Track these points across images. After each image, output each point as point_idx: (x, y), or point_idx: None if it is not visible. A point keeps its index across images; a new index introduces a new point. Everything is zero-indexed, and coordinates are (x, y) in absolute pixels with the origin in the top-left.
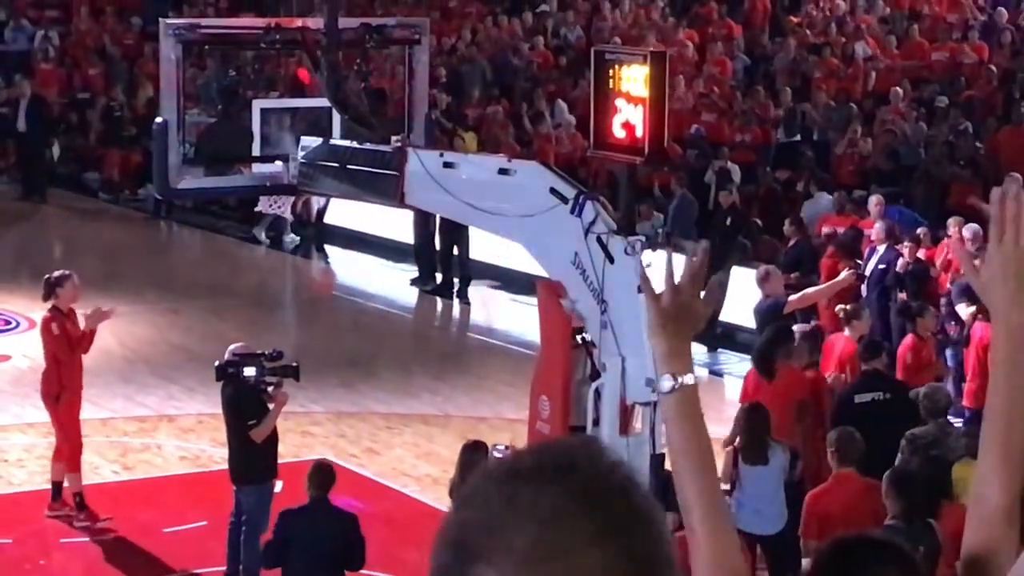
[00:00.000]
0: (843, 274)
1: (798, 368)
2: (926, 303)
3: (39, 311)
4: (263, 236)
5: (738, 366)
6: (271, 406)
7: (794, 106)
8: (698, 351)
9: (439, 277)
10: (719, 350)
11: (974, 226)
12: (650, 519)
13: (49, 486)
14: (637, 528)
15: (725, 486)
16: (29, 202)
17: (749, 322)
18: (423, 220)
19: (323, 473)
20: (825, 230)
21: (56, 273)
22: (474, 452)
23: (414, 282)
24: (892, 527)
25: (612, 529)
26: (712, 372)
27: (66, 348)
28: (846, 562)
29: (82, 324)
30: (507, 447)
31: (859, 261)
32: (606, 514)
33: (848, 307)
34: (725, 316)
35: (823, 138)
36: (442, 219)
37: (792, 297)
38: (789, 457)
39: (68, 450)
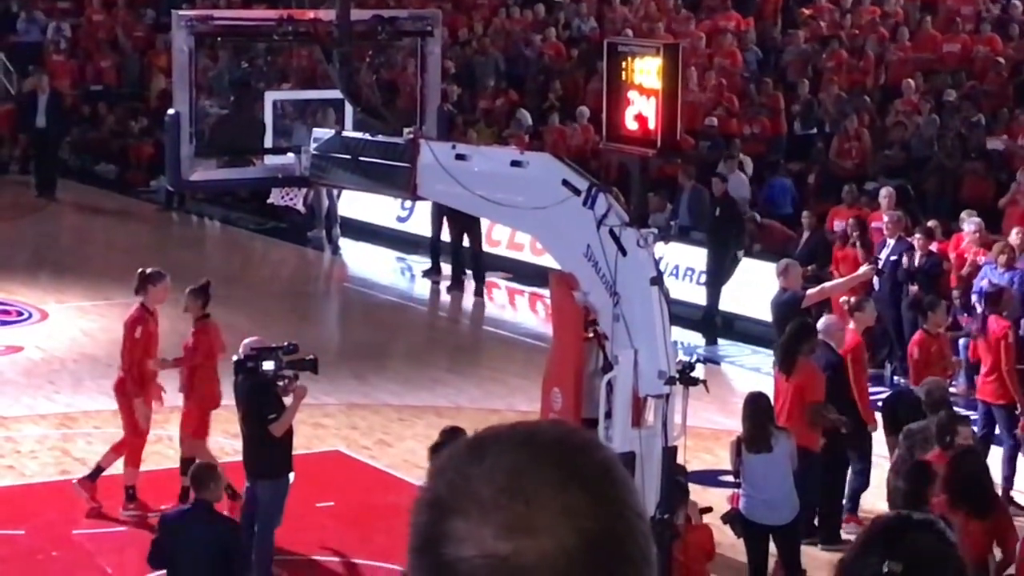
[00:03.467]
0: (863, 268)
1: (817, 366)
2: (938, 297)
3: (51, 303)
4: (322, 236)
5: (740, 357)
6: (286, 399)
7: (811, 98)
8: (697, 342)
9: (444, 268)
10: (718, 340)
11: (977, 219)
12: (612, 470)
13: (61, 478)
14: (599, 477)
15: (730, 477)
16: (41, 198)
17: (746, 311)
18: (437, 212)
19: (206, 474)
20: (836, 224)
21: (150, 270)
22: (452, 437)
23: (426, 274)
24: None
25: (574, 477)
26: (711, 361)
27: (141, 351)
28: (886, 533)
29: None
30: None
31: (878, 257)
32: (568, 465)
33: (852, 300)
34: (723, 306)
35: (834, 130)
36: (453, 212)
37: (811, 291)
38: (795, 444)
39: (128, 442)
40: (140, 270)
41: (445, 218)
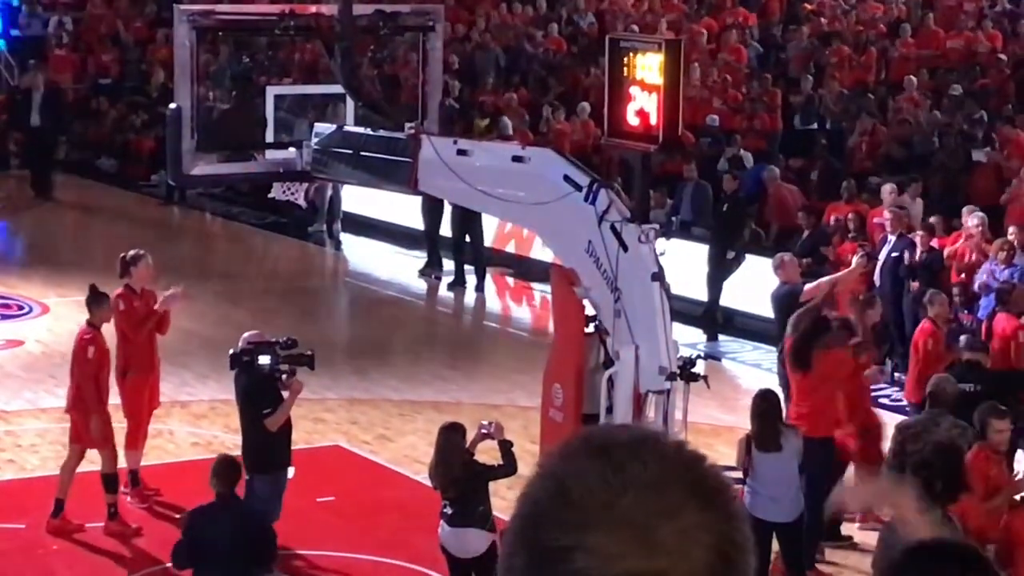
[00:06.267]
0: (855, 260)
1: (835, 350)
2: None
3: (52, 297)
4: (323, 231)
5: (741, 353)
6: (285, 394)
7: (813, 93)
8: (698, 338)
9: (444, 264)
10: (718, 336)
11: (980, 214)
12: (728, 485)
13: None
14: (723, 493)
15: (738, 474)
16: (38, 197)
17: (747, 307)
18: (429, 207)
19: (227, 468)
20: (833, 218)
21: (131, 252)
22: (452, 433)
23: (422, 272)
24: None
25: (707, 492)
26: (711, 357)
27: (130, 325)
28: (923, 567)
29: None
30: (490, 423)
31: (864, 243)
32: (698, 479)
33: (862, 296)
34: (724, 301)
35: (836, 126)
36: (454, 207)
37: (808, 286)
38: (802, 443)
39: (129, 427)
40: (121, 255)
41: (448, 213)
